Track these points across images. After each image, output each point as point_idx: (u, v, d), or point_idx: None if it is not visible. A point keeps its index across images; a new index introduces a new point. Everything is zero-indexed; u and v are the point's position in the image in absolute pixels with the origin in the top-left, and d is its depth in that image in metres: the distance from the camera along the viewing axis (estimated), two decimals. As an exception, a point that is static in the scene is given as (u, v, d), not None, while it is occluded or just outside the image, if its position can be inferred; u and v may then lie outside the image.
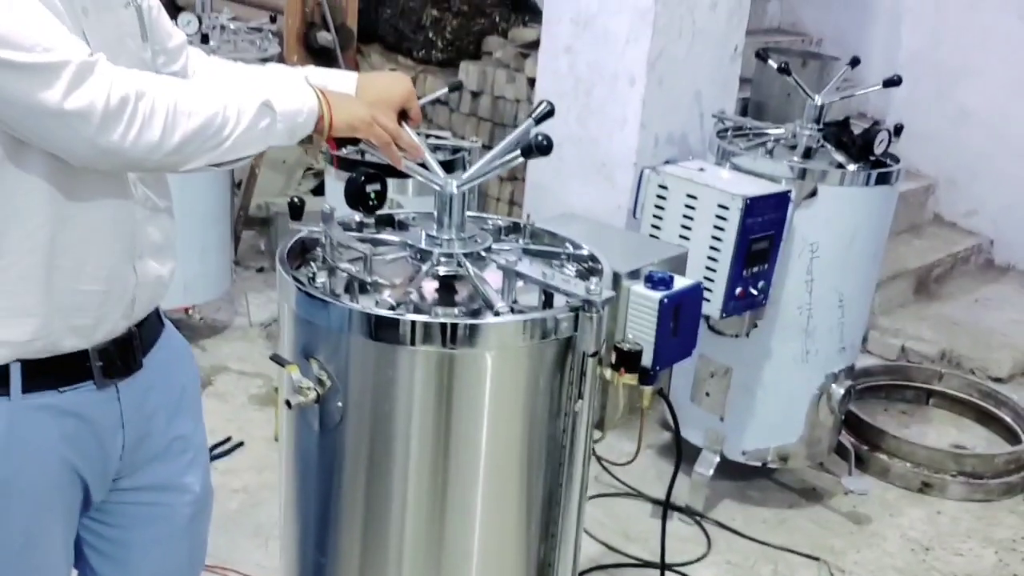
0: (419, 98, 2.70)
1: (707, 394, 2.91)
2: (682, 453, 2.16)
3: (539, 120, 1.61)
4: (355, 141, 1.53)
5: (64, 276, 1.31)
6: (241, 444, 3.12)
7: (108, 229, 1.35)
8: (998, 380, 3.98)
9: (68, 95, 1.16)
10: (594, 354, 1.49)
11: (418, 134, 1.69)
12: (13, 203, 1.26)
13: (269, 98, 1.35)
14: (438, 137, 3.07)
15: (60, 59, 1.16)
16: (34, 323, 1.30)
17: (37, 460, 1.36)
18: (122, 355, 1.41)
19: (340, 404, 1.48)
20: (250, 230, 4.73)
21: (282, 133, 1.38)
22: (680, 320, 1.76)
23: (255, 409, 3.35)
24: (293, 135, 1.40)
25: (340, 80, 1.62)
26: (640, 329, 1.76)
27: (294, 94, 1.40)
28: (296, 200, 1.60)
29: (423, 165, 1.61)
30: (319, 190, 4.64)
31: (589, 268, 1.67)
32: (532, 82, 4.42)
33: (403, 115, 1.61)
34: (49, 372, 1.34)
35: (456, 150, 2.93)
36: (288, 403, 1.47)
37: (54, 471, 1.38)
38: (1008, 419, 3.59)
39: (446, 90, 3.07)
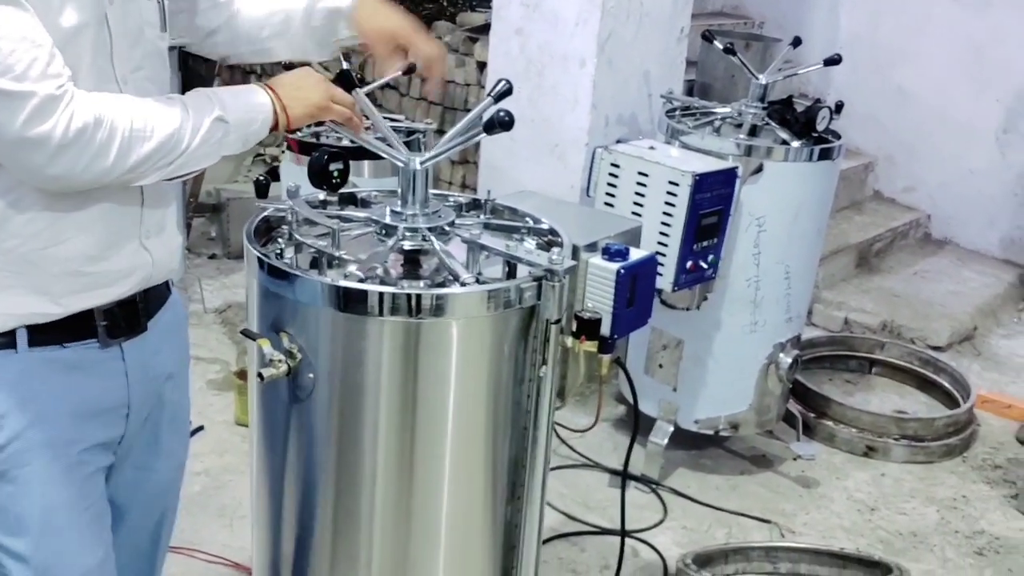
0: (371, 82, 2.77)
1: (660, 366, 2.99)
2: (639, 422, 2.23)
3: (498, 98, 1.66)
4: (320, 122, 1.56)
5: (72, 258, 1.36)
6: (201, 428, 3.13)
7: (113, 212, 1.39)
8: (937, 348, 4.13)
9: (27, 126, 1.19)
10: (556, 321, 1.55)
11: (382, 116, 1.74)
12: (9, 194, 1.31)
13: (222, 112, 1.38)
14: (393, 120, 3.10)
15: (27, 90, 1.18)
16: (44, 300, 1.36)
17: (48, 412, 1.40)
18: (126, 317, 1.46)
19: (311, 376, 1.52)
20: (200, 217, 4.71)
21: (235, 143, 1.42)
22: (636, 290, 1.83)
23: (214, 394, 3.36)
24: (247, 142, 1.45)
25: None
26: (598, 299, 1.82)
27: (247, 102, 1.43)
28: (262, 178, 1.64)
29: (386, 142, 1.65)
30: (272, 176, 4.63)
31: (549, 241, 1.72)
32: (481, 66, 4.46)
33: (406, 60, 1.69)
34: (54, 329, 1.39)
35: (411, 132, 2.96)
36: (260, 376, 1.50)
37: (65, 424, 1.43)
38: (947, 385, 3.74)
39: (399, 72, 3.08)
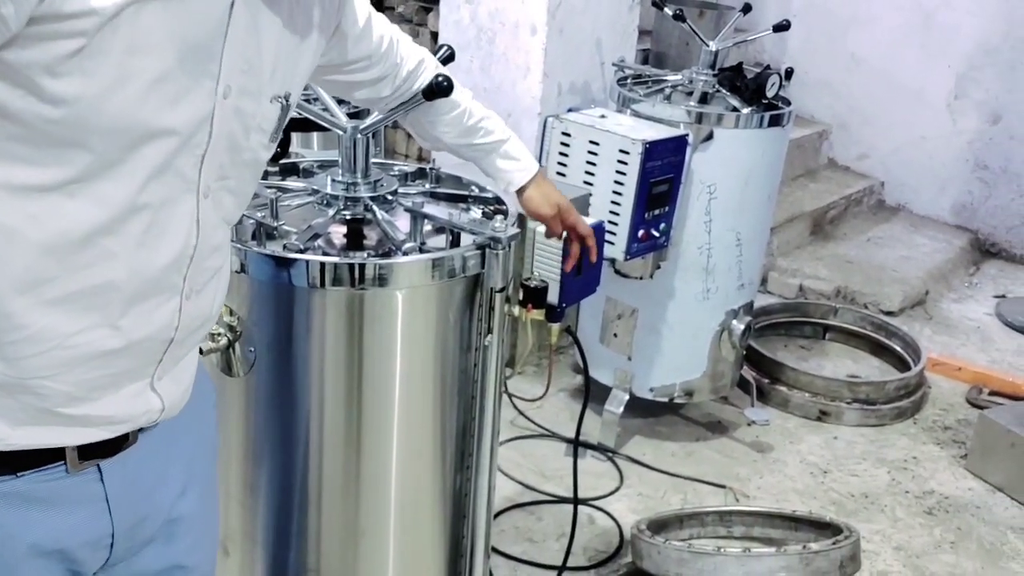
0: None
1: (615, 335, 3.00)
2: (591, 391, 2.24)
3: (441, 64, 1.64)
4: None
5: (50, 395, 1.00)
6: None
7: (133, 354, 1.04)
8: (889, 313, 4.19)
9: None
10: (501, 289, 1.54)
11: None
12: None
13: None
14: (342, 90, 3.06)
15: None
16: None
17: None
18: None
19: (252, 349, 1.50)
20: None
21: None
22: (584, 258, 1.82)
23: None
24: None
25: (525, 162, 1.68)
26: (546, 268, 1.82)
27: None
28: (199, 149, 1.60)
29: (327, 111, 1.62)
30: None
31: (495, 210, 1.71)
32: (435, 36, 4.41)
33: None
34: (3, 456, 1.01)
35: (360, 103, 2.93)
36: (200, 351, 1.48)
37: (20, 566, 1.05)
38: (899, 349, 3.79)
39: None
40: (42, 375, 0.96)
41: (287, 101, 1.10)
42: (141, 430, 1.10)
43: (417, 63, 1.54)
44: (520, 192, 1.67)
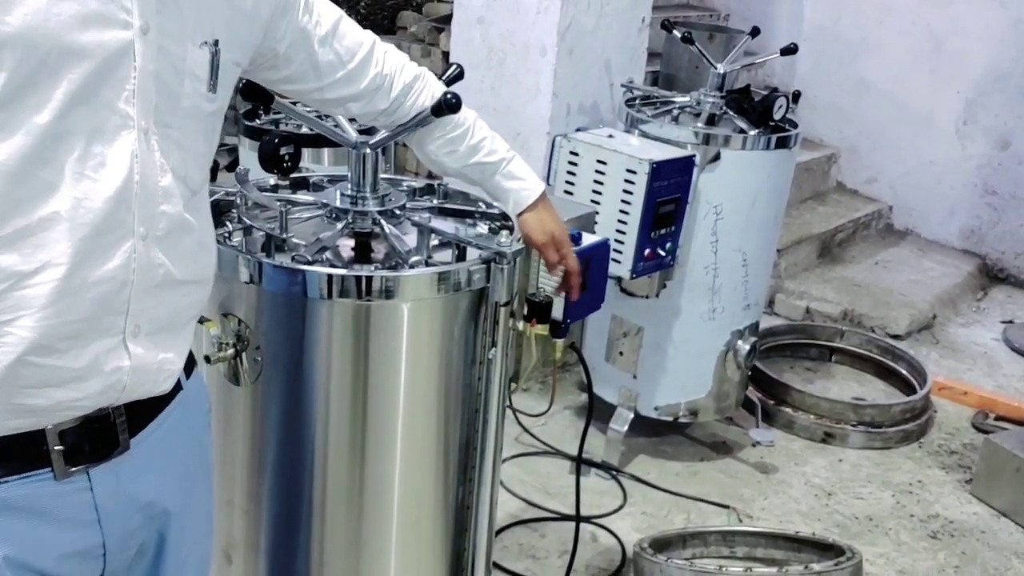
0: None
1: (620, 353, 3.01)
2: (596, 408, 2.25)
3: (449, 83, 1.67)
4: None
5: (16, 343, 0.98)
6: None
7: (91, 296, 1.01)
8: (896, 337, 4.19)
9: None
10: (506, 304, 1.56)
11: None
12: None
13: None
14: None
15: None
16: None
17: None
18: (94, 437, 1.05)
19: (258, 359, 1.52)
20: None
21: None
22: (589, 275, 1.84)
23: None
24: None
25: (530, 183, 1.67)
26: (551, 284, 1.84)
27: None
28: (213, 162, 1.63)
29: (337, 127, 1.65)
30: (232, 167, 4.60)
31: (501, 225, 1.73)
32: (447, 56, 4.46)
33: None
34: None
35: (372, 120, 2.96)
36: (207, 359, 1.50)
37: None
38: (905, 372, 3.79)
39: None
40: (3, 319, 0.96)
41: (216, 47, 1.10)
42: (133, 436, 1.09)
43: (413, 78, 1.53)
44: (520, 215, 1.66)
